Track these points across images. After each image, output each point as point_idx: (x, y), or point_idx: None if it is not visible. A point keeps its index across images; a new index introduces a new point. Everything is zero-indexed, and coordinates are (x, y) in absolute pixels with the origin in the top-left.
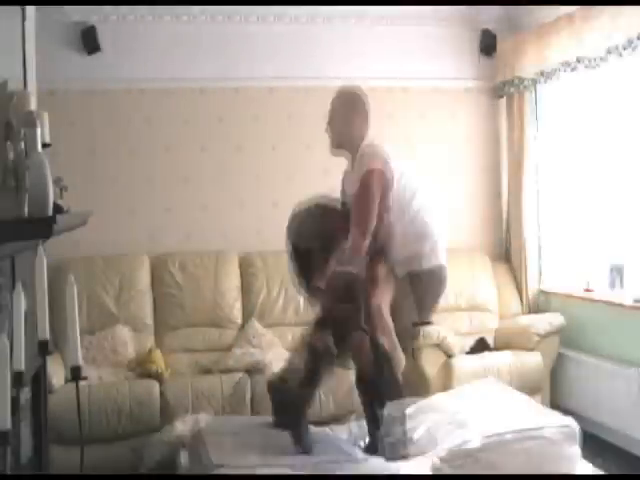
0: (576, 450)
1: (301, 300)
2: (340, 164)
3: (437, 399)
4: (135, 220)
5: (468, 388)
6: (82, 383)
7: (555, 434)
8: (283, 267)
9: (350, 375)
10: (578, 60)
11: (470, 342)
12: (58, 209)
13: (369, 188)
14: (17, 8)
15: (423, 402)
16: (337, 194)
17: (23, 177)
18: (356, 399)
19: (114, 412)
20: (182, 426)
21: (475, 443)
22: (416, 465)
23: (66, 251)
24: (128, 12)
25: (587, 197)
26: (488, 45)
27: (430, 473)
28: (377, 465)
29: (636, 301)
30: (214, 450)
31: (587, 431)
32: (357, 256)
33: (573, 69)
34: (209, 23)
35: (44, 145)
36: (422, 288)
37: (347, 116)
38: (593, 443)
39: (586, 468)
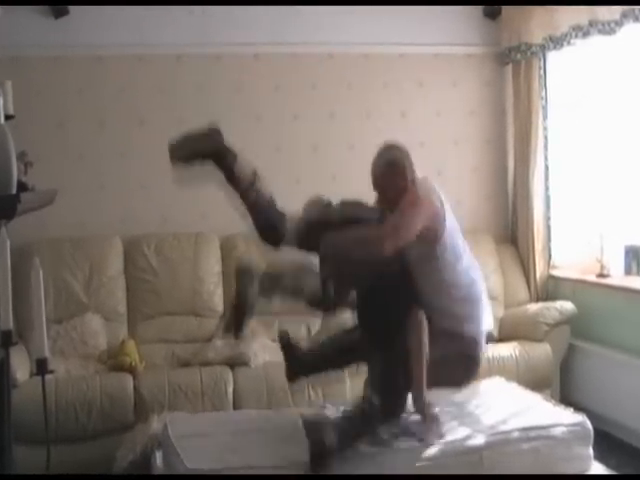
0: (588, 450)
1: None
2: (335, 139)
3: (439, 393)
4: (106, 198)
5: (473, 385)
6: (48, 377)
7: (566, 433)
8: (268, 250)
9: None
10: (591, 24)
11: None
12: (22, 187)
13: (418, 202)
14: None
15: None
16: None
17: None
18: None
19: (83, 409)
20: (158, 424)
21: (479, 440)
22: (416, 455)
23: (31, 233)
24: None
25: (601, 174)
26: (492, 8)
27: (429, 464)
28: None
29: None
30: (187, 453)
31: (600, 429)
32: (383, 246)
33: (585, 34)
34: None
35: (7, 117)
36: (456, 355)
37: (391, 181)
38: (606, 442)
39: (598, 469)
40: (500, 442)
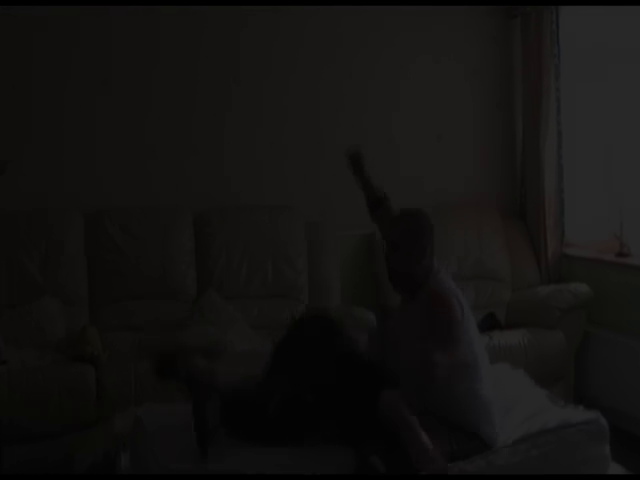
0: (605, 451)
1: (269, 267)
2: (321, 100)
3: None
4: (66, 167)
5: None
6: (0, 368)
7: (578, 433)
8: (246, 226)
9: None
10: None
11: (477, 318)
12: None
13: (453, 311)
14: None
15: None
16: None
17: None
18: None
19: (40, 403)
20: (122, 421)
21: (480, 464)
22: None
23: None
24: None
25: (621, 141)
26: None
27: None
28: None
29: None
30: (165, 450)
31: (619, 427)
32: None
33: None
34: None
35: None
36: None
37: (415, 247)
38: (626, 441)
39: (617, 470)
40: (503, 457)
